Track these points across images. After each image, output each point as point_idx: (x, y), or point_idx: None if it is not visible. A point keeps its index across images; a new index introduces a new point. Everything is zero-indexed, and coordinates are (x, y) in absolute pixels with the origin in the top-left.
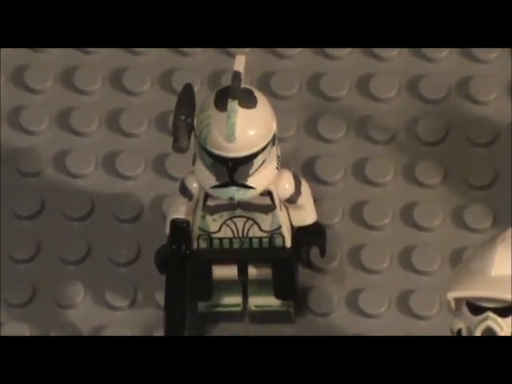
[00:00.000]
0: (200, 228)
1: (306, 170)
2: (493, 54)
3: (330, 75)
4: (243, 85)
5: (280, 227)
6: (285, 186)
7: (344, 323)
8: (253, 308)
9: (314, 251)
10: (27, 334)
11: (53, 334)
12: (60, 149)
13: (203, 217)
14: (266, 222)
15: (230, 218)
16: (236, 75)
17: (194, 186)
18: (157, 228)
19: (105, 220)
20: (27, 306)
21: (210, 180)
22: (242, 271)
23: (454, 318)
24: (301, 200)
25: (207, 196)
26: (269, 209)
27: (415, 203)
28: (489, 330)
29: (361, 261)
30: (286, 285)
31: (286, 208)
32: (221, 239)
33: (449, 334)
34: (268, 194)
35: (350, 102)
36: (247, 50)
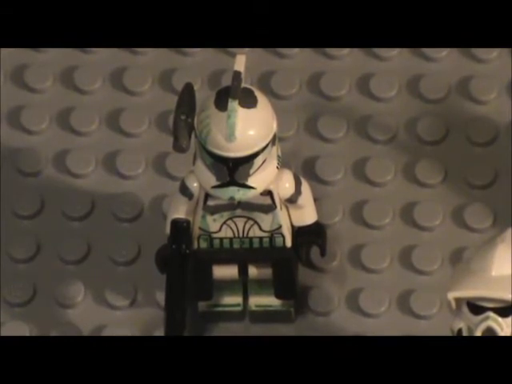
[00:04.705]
0: (200, 228)
1: (306, 170)
2: (493, 54)
3: (330, 75)
4: (243, 84)
5: (280, 227)
6: (285, 185)
7: (344, 323)
8: (253, 308)
9: (314, 251)
10: (27, 333)
11: (53, 333)
12: (60, 148)
13: (203, 216)
14: (266, 221)
15: (231, 218)
16: (236, 75)
17: (194, 185)
18: (157, 228)
19: (105, 220)
20: (27, 306)
21: (211, 180)
22: (243, 271)
23: (454, 317)
24: (301, 200)
25: (207, 196)
26: (269, 209)
27: (415, 203)
28: (489, 329)
29: (361, 260)
30: (286, 284)
31: (287, 208)
32: (221, 239)
33: (449, 334)
34: (268, 193)
35: (350, 102)
36: (247, 49)
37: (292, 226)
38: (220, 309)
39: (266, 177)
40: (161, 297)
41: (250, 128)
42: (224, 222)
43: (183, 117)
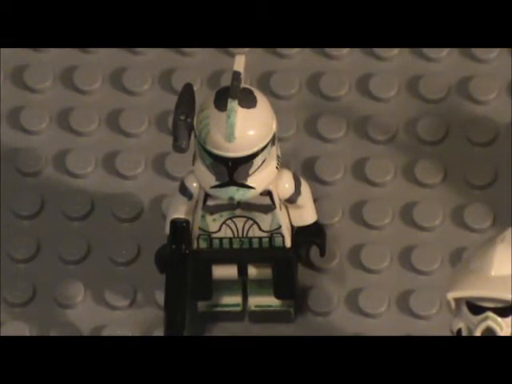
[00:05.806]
0: (200, 228)
1: (306, 170)
2: (493, 54)
3: (330, 75)
4: (243, 85)
5: (280, 227)
6: (285, 185)
7: (344, 323)
8: (253, 308)
9: (314, 251)
10: (27, 333)
11: (53, 333)
12: (60, 148)
13: (203, 216)
14: (265, 221)
15: (230, 218)
16: (236, 75)
17: (193, 185)
18: (157, 228)
19: (105, 220)
20: (27, 306)
21: (210, 180)
22: (242, 271)
23: (453, 317)
24: (300, 200)
25: (207, 196)
26: (269, 209)
27: (415, 203)
28: (489, 329)
29: (361, 260)
30: (285, 284)
31: (286, 208)
32: (221, 239)
33: (449, 334)
34: (268, 193)
35: (350, 102)
36: (247, 49)
37: (292, 226)
38: (219, 309)
39: (266, 177)
40: (160, 297)
41: (249, 128)
42: (223, 222)
43: (183, 117)
